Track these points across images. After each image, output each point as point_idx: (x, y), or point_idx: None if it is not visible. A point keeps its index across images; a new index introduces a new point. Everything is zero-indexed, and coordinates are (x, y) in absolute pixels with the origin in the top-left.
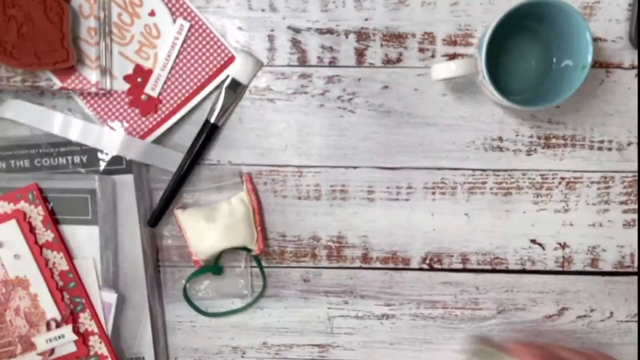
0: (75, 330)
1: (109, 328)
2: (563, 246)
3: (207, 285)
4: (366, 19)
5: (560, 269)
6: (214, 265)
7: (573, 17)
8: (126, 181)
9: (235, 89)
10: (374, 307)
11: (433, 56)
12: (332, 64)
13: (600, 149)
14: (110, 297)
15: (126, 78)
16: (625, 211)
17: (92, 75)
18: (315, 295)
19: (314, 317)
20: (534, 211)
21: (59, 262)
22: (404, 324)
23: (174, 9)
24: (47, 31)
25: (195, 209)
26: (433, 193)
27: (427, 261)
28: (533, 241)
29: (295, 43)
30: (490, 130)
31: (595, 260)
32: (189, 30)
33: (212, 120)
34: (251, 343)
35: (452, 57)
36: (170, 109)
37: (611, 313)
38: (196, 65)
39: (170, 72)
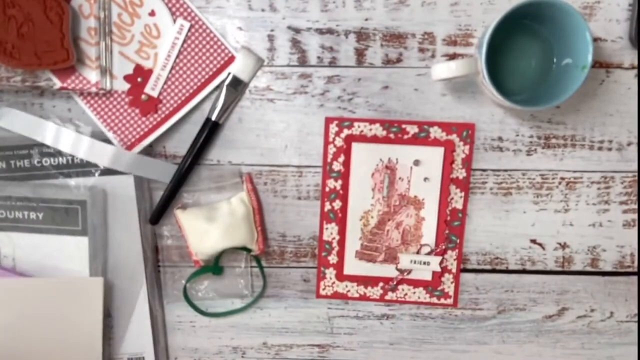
0: (440, 263)
1: None
2: (563, 246)
3: (207, 285)
4: (366, 19)
5: (560, 269)
6: (214, 265)
7: (573, 17)
8: (126, 181)
9: (237, 86)
10: (374, 307)
11: (433, 56)
12: (332, 64)
13: (600, 149)
14: None
15: (126, 78)
16: (625, 211)
17: (92, 75)
18: (316, 295)
19: (314, 317)
20: (534, 211)
21: (458, 200)
22: (404, 324)
23: (174, 9)
24: (47, 31)
25: (195, 209)
26: None
27: None
28: (533, 241)
29: (295, 43)
30: (490, 130)
31: (595, 260)
32: (189, 30)
33: (214, 117)
34: (251, 343)
35: (452, 57)
36: (170, 109)
37: (611, 313)
38: (196, 65)
39: (170, 72)
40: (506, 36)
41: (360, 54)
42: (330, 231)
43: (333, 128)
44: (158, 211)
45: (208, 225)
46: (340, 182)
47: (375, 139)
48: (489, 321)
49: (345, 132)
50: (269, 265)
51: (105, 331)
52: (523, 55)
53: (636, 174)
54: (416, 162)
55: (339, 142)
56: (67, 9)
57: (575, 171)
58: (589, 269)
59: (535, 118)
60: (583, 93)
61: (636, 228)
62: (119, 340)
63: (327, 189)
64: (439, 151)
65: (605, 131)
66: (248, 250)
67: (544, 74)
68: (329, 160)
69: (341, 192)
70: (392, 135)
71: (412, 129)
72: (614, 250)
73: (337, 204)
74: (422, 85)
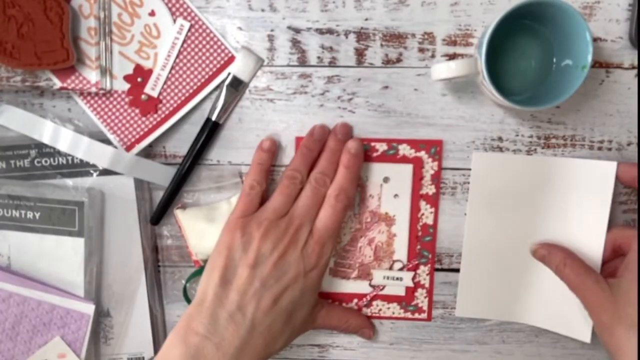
0: (413, 279)
1: (86, 339)
2: None
3: None
4: (366, 19)
5: None
6: None
7: (573, 17)
8: (126, 181)
9: (237, 86)
10: None
11: (433, 56)
12: (332, 64)
13: (600, 149)
14: (88, 309)
15: (126, 78)
16: (625, 211)
17: (92, 75)
18: None
19: None
20: None
21: (428, 216)
22: (403, 324)
23: (174, 9)
24: (47, 31)
25: (195, 209)
26: None
27: None
28: None
29: (295, 43)
30: (490, 130)
31: None
32: (189, 30)
33: (214, 118)
34: None
35: (452, 57)
36: (170, 109)
37: None
38: (196, 65)
39: (170, 72)
40: (506, 36)
41: (360, 54)
42: None
43: None
44: (159, 211)
45: (208, 225)
46: None
47: None
48: (488, 321)
49: None
50: None
51: (105, 331)
52: (523, 55)
53: None
54: (386, 179)
55: None
56: (67, 9)
57: None
58: None
59: (535, 118)
60: (583, 93)
61: (636, 228)
62: (119, 340)
63: None
64: (408, 168)
65: (605, 131)
66: None
67: (544, 74)
68: None
69: None
70: None
71: (381, 147)
72: None
73: None
74: (422, 85)
